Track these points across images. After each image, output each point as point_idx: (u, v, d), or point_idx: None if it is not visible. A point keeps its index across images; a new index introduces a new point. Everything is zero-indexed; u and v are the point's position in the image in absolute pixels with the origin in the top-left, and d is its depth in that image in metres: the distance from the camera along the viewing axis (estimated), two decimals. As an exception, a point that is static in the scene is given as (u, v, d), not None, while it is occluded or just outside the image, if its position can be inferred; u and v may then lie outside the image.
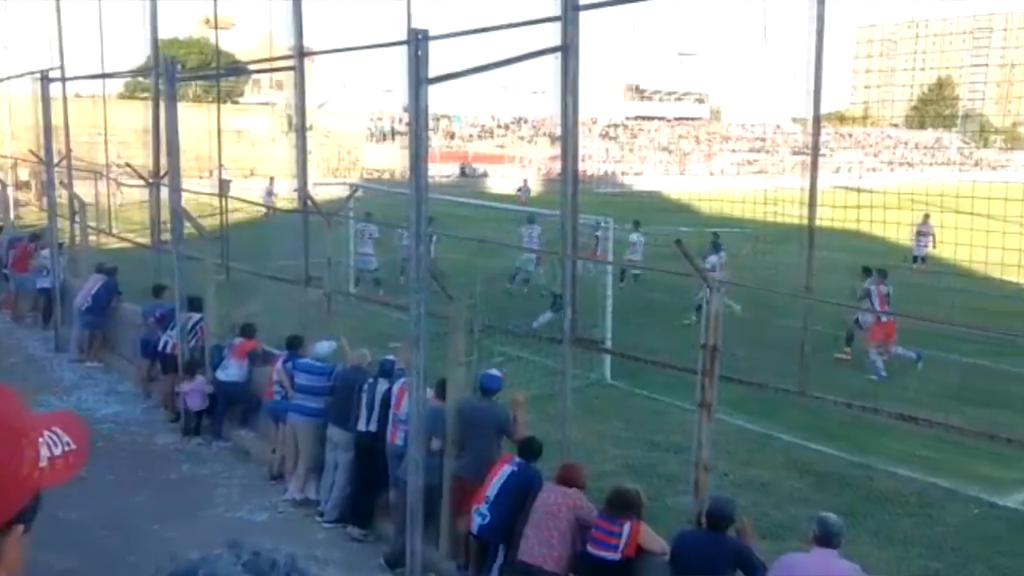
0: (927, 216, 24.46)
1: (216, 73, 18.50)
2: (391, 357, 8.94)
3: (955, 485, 9.83)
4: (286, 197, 23.44)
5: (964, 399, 12.21)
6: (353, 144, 58.63)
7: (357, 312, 13.49)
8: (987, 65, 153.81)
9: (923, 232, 24.83)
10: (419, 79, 6.82)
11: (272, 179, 33.27)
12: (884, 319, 14.28)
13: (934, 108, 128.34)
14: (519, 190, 44.51)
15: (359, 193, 19.75)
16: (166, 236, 13.54)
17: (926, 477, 10.02)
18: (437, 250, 20.39)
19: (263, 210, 23.54)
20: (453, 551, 7.74)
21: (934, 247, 24.06)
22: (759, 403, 10.91)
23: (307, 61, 13.60)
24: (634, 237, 21.33)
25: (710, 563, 5.83)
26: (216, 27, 31.79)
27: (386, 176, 53.29)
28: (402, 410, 8.09)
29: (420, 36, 6.84)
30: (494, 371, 8.06)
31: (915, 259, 24.69)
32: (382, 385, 8.64)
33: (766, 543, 7.21)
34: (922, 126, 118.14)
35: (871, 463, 10.39)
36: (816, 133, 6.91)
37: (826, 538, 5.36)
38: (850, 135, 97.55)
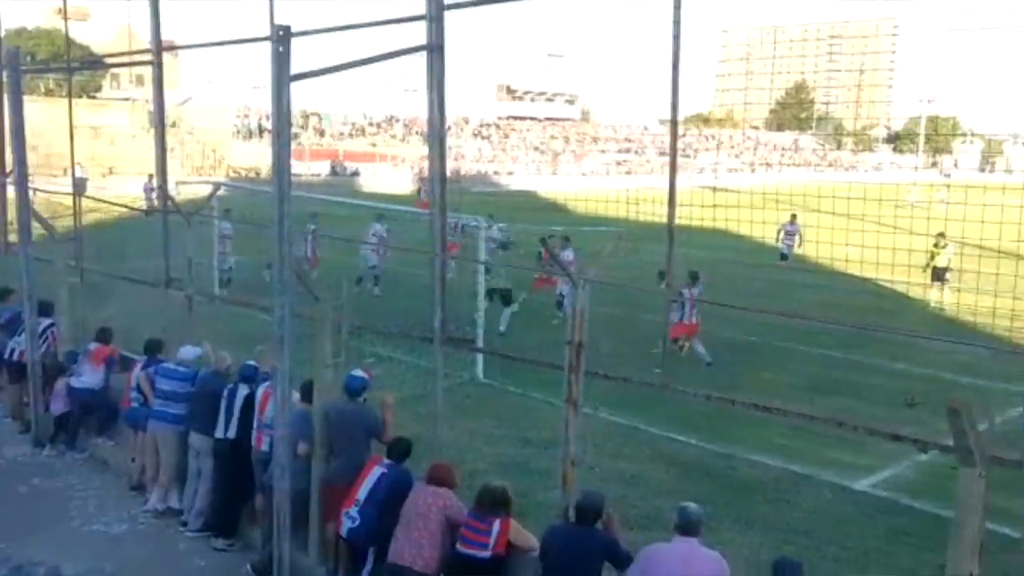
0: (794, 216, 25.38)
1: (67, 66, 17.58)
2: (251, 362, 8.73)
3: (810, 471, 10.29)
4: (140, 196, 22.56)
5: (819, 389, 12.82)
6: (218, 141, 57.00)
7: (221, 314, 13.11)
8: (840, 71, 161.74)
9: (789, 232, 25.81)
10: (282, 76, 6.68)
11: (151, 176, 31.94)
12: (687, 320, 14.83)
13: (791, 111, 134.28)
14: (420, 190, 42.55)
15: (230, 192, 19.22)
16: (14, 237, 12.83)
17: (783, 464, 10.46)
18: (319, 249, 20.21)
19: (123, 209, 22.56)
20: (323, 556, 7.61)
21: (800, 246, 25.02)
22: (626, 397, 11.17)
23: (170, 56, 13.14)
24: (495, 231, 21.42)
25: (579, 557, 5.91)
26: (83, 17, 30.25)
27: (255, 174, 52.04)
28: (267, 415, 7.91)
29: (282, 32, 6.71)
30: (358, 371, 7.96)
31: (783, 256, 25.65)
32: (242, 390, 8.45)
33: (633, 534, 7.39)
34: (780, 128, 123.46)
35: (733, 452, 10.77)
36: (674, 134, 7.10)
37: (687, 527, 5.52)
38: (713, 136, 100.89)
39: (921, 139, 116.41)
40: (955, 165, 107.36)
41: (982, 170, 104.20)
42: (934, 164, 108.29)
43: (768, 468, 10.43)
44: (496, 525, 6.30)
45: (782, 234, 26.00)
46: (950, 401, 4.47)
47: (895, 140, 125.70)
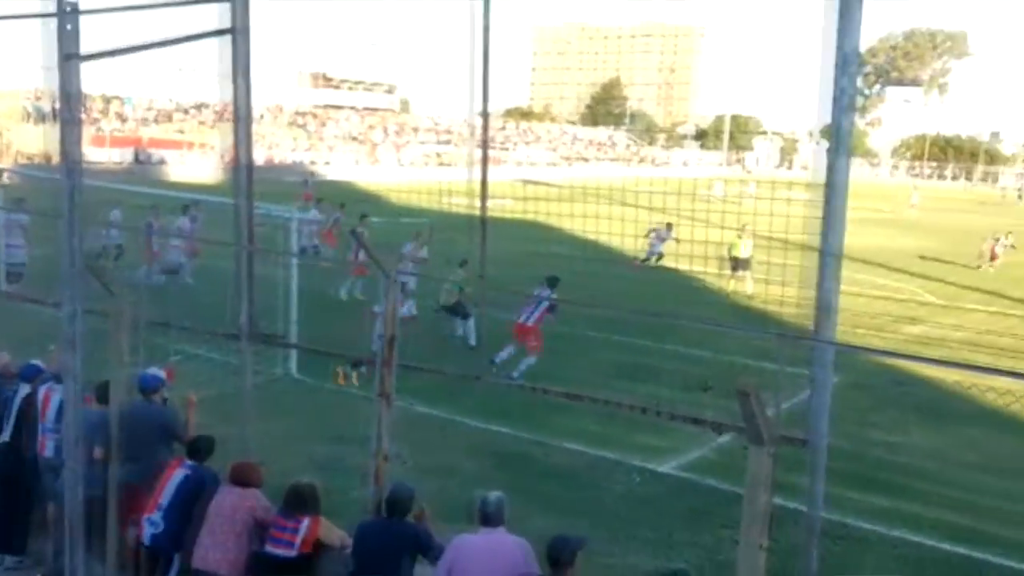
0: (669, 224, 25.31)
1: None
2: (34, 362, 8.15)
3: (620, 456, 10.66)
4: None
5: (628, 376, 13.30)
6: (5, 126, 52.95)
7: (9, 311, 12.17)
8: (651, 69, 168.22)
9: (662, 238, 25.93)
10: (68, 56, 6.24)
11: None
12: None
13: (605, 107, 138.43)
14: (307, 181, 38.90)
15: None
16: None
17: (595, 450, 10.79)
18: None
19: None
20: (121, 565, 7.20)
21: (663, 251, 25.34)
22: (442, 390, 11.18)
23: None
24: (313, 214, 21.00)
25: (387, 549, 5.88)
26: None
27: (47, 160, 48.64)
28: (48, 417, 7.40)
29: (70, 9, 6.27)
30: (153, 369, 7.58)
31: (647, 258, 25.91)
32: (23, 390, 7.88)
33: (450, 526, 7.40)
34: (595, 124, 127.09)
35: (547, 440, 11.01)
36: (485, 127, 7.16)
37: (488, 518, 5.60)
38: (531, 130, 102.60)
39: (726, 136, 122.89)
40: (756, 162, 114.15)
41: (779, 166, 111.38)
42: (738, 160, 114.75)
43: (581, 455, 10.72)
44: (304, 524, 6.16)
45: (651, 237, 25.90)
46: (739, 385, 4.69)
47: (702, 137, 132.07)
